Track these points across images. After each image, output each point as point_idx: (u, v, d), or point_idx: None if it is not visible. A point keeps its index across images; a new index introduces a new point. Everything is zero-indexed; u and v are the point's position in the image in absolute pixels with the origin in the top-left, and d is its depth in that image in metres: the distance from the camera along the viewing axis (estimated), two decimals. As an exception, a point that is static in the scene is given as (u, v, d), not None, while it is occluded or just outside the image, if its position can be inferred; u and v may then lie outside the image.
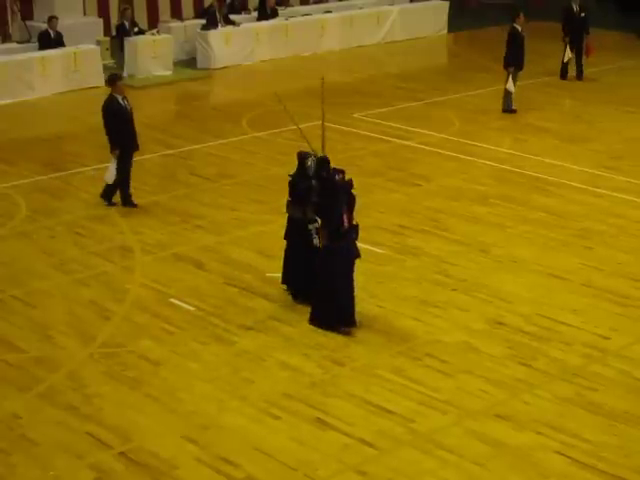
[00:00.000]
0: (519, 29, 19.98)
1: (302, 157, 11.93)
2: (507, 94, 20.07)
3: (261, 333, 11.35)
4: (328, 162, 11.69)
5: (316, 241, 11.68)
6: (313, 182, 11.68)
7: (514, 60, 19.98)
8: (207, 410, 9.83)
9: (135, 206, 15.14)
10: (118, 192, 15.26)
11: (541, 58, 19.83)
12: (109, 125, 15.04)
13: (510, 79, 19.91)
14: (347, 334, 11.26)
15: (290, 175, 12.15)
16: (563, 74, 23.01)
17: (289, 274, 12.18)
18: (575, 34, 22.71)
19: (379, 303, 12.06)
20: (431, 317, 11.70)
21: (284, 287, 12.30)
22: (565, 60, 22.80)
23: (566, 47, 22.67)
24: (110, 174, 15.05)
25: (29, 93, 21.68)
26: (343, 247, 11.23)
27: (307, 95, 21.84)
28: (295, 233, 12.04)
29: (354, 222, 11.30)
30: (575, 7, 22.95)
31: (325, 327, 11.34)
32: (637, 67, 24.79)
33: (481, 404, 9.98)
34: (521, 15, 20.02)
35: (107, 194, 15.25)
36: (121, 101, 15.16)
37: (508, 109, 20.14)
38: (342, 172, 11.20)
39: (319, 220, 11.49)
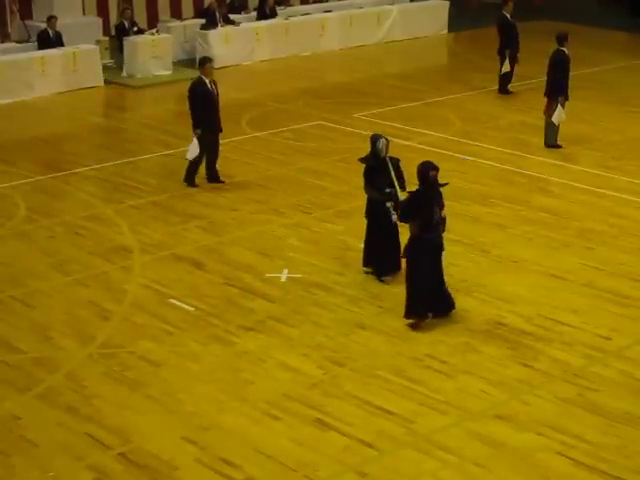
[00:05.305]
0: (566, 52, 18.06)
1: (374, 139, 12.43)
2: (551, 126, 17.92)
3: (261, 333, 11.33)
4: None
5: (394, 218, 12.14)
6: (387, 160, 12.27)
7: (562, 88, 17.82)
8: (207, 411, 9.81)
9: (221, 182, 16.09)
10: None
11: (542, 58, 19.75)
12: (192, 105, 15.86)
13: (559, 109, 17.70)
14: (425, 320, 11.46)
15: (361, 159, 12.60)
16: (504, 89, 21.82)
17: (370, 254, 12.62)
18: (515, 44, 21.53)
19: (379, 303, 12.04)
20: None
21: (366, 270, 12.68)
22: (503, 72, 21.61)
23: (506, 59, 21.44)
24: (190, 152, 15.85)
25: (28, 93, 21.64)
26: (432, 239, 11.32)
27: (307, 95, 21.87)
28: (374, 213, 12.43)
29: (443, 215, 11.45)
30: (509, 15, 21.69)
31: (417, 317, 11.47)
32: (639, 67, 24.81)
33: (481, 405, 9.95)
34: (568, 38, 18.14)
35: (188, 176, 16.01)
36: (208, 84, 15.80)
37: (552, 144, 18.01)
38: (436, 169, 11.29)
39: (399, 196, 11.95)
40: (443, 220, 11.42)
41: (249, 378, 10.41)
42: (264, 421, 9.63)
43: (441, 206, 11.36)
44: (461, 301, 12.08)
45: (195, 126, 15.77)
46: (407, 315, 11.50)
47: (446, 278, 12.60)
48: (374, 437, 9.36)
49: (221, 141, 16.14)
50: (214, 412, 9.79)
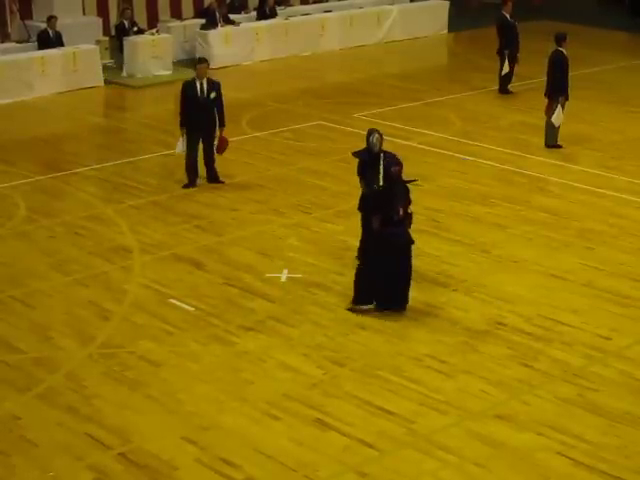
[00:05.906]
0: (565, 52, 18.10)
1: (368, 133, 12.40)
2: (551, 127, 17.92)
3: (261, 333, 11.33)
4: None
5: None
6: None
7: (563, 88, 17.90)
8: (207, 411, 9.81)
9: (221, 182, 16.06)
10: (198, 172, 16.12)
11: (542, 58, 19.75)
12: (180, 105, 15.84)
13: (559, 110, 17.76)
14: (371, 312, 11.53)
15: (354, 153, 12.65)
16: (505, 89, 21.89)
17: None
18: (514, 44, 21.53)
19: (379, 303, 12.04)
20: (431, 317, 11.67)
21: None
22: (503, 73, 21.65)
23: (505, 60, 21.47)
24: (178, 147, 15.89)
25: (28, 93, 21.63)
26: (393, 233, 11.34)
27: (307, 95, 21.87)
28: (366, 208, 12.40)
29: (409, 211, 11.47)
30: (508, 15, 21.68)
31: (359, 305, 11.60)
32: (639, 67, 24.81)
33: (481, 405, 9.95)
34: (567, 38, 18.16)
35: (188, 177, 16.03)
36: (198, 86, 15.60)
37: (552, 144, 18.02)
38: (399, 165, 11.39)
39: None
40: (410, 216, 11.50)
41: (249, 378, 10.41)
42: (264, 421, 9.63)
43: (408, 202, 11.44)
44: (461, 301, 12.10)
45: (180, 125, 15.75)
46: (355, 302, 11.68)
47: (443, 278, 12.64)
48: (374, 437, 9.36)
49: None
50: (214, 412, 9.79)
